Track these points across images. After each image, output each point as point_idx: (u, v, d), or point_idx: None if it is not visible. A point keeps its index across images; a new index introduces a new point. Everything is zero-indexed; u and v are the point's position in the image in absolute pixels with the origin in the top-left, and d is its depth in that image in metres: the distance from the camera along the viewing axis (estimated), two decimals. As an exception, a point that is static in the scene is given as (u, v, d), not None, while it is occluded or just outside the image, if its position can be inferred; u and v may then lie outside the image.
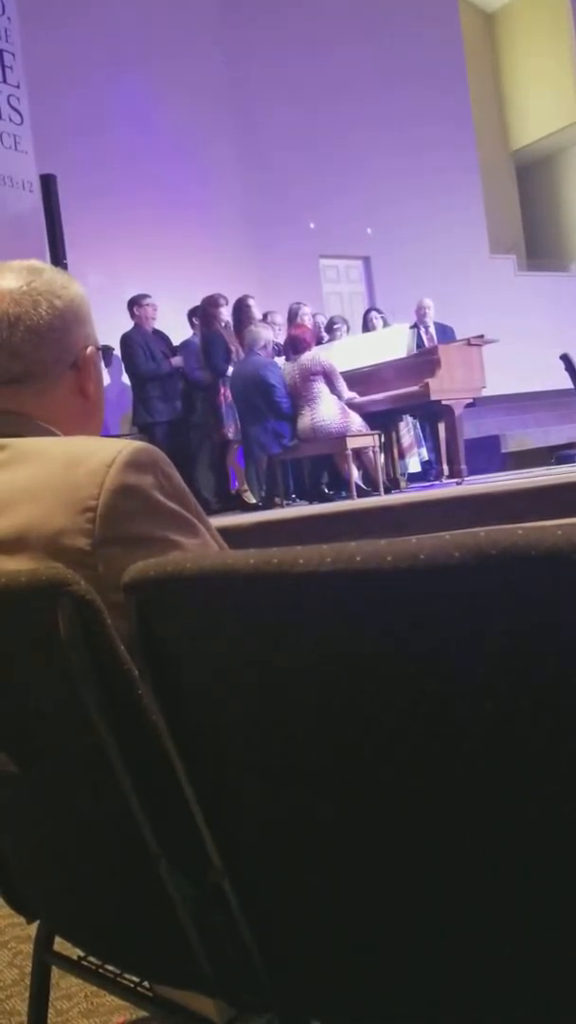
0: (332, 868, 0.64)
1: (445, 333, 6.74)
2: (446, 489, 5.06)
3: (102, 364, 1.09)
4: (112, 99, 8.56)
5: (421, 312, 6.82)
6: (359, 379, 5.84)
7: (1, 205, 5.43)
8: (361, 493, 5.44)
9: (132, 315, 6.20)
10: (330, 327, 6.99)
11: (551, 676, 0.47)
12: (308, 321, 6.41)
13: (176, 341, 6.52)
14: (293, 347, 5.65)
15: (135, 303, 6.23)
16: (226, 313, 6.10)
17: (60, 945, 1.06)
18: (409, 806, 0.57)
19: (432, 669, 0.50)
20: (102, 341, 1.03)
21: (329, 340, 6.72)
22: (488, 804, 0.54)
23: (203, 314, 6.07)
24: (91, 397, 1.00)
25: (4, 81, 5.55)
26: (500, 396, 8.37)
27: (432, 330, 6.74)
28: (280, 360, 5.83)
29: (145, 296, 6.26)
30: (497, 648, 0.48)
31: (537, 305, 11.48)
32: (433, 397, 5.28)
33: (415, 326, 6.58)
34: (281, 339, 6.24)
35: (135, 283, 6.96)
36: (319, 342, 6.31)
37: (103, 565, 0.78)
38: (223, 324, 6.05)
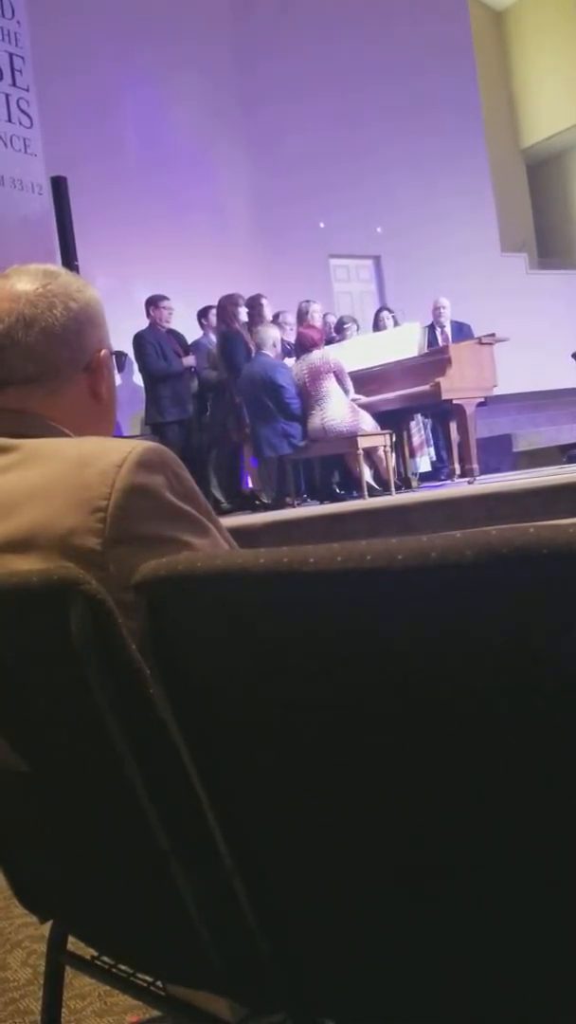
0: (341, 868, 0.64)
1: (462, 331, 6.61)
2: (458, 488, 5.05)
3: (115, 368, 1.09)
4: (122, 101, 8.59)
5: (437, 312, 6.70)
6: (370, 378, 5.82)
7: (11, 207, 5.46)
8: (372, 492, 5.43)
9: (148, 314, 6.15)
10: (340, 327, 6.95)
11: (561, 675, 0.47)
12: (318, 319, 6.36)
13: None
14: (302, 346, 5.64)
15: (152, 303, 6.17)
16: (243, 312, 6.08)
17: (73, 944, 1.06)
18: (416, 806, 0.57)
19: (442, 668, 0.50)
20: (113, 345, 1.04)
21: (339, 340, 6.69)
22: (494, 804, 0.53)
23: (222, 312, 6.05)
24: (103, 400, 1.01)
25: (13, 84, 5.57)
26: (511, 395, 8.34)
27: (448, 329, 6.63)
28: (290, 360, 5.82)
29: (163, 298, 6.18)
30: (508, 647, 0.47)
31: (548, 303, 11.44)
32: (444, 396, 5.26)
33: (431, 325, 6.51)
34: (291, 338, 6.22)
35: (145, 285, 6.97)
36: (329, 342, 6.28)
37: (114, 565, 0.78)
38: (241, 323, 6.04)
